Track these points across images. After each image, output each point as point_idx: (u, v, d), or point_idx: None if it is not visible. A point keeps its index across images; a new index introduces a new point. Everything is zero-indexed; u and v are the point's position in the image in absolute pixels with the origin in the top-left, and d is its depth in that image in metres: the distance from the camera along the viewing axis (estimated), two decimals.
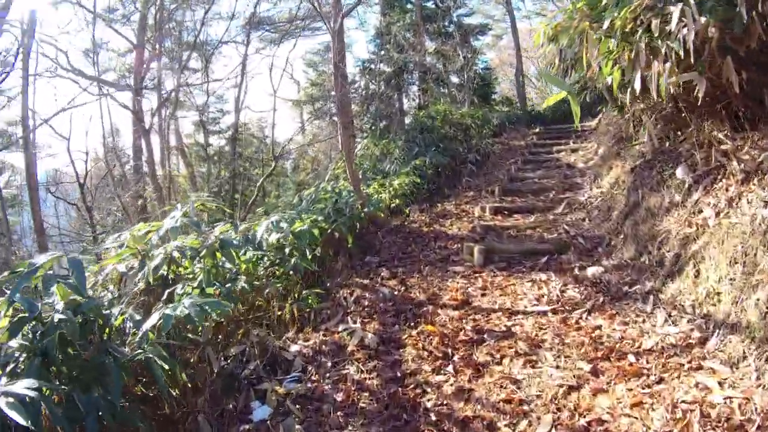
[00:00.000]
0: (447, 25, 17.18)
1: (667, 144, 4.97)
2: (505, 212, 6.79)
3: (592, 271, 4.69)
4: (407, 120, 15.77)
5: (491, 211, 6.78)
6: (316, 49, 23.13)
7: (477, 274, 5.04)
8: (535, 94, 26.86)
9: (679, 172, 4.32)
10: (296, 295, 4.75)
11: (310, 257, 5.40)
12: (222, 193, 17.92)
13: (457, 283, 4.88)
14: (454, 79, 16.61)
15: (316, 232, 5.47)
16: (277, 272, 5.07)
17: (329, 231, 5.95)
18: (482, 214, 6.84)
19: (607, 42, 3.43)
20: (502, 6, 19.84)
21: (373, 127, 15.17)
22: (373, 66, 17.20)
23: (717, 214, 3.89)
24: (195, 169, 19.59)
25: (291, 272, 4.93)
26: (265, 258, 5.10)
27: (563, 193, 7.14)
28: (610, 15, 3.34)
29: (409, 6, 17.38)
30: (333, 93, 16.39)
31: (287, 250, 5.14)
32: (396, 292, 4.80)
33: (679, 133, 5.01)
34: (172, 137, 21.47)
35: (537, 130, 12.99)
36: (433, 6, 17.48)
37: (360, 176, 8.67)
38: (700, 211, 4.08)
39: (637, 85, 3.29)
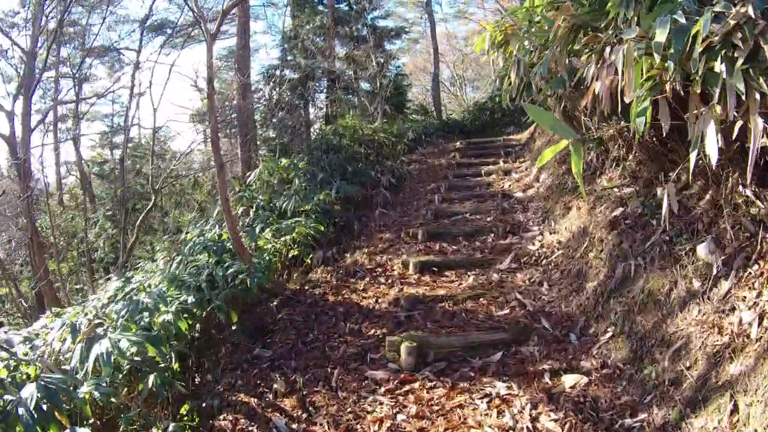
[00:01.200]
0: (360, 28, 15.58)
1: (659, 191, 3.63)
2: (434, 269, 5.19)
3: (570, 381, 3.24)
4: (314, 134, 14.06)
5: (416, 268, 5.17)
6: (220, 55, 21.09)
7: (407, 386, 3.44)
8: (448, 101, 25.95)
9: (702, 250, 2.93)
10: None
11: (177, 364, 3.85)
12: (116, 216, 15.68)
13: (381, 406, 3.27)
14: (366, 86, 15.06)
15: (183, 326, 3.82)
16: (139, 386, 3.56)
17: (205, 315, 4.30)
18: (404, 272, 5.22)
19: (655, 63, 1.93)
20: (420, 8, 18.59)
21: (275, 144, 13.29)
22: (277, 72, 15.29)
23: (761, 319, 2.56)
24: (94, 187, 18.17)
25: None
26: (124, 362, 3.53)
27: (505, 237, 5.67)
28: (664, 11, 1.84)
29: (321, 8, 15.64)
30: (234, 102, 14.50)
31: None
32: (295, 425, 3.19)
33: (671, 175, 3.70)
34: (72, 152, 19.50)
35: (458, 144, 11.55)
36: (347, 8, 15.80)
37: (250, 215, 6.90)
38: (733, 309, 2.73)
39: (711, 145, 1.80)
